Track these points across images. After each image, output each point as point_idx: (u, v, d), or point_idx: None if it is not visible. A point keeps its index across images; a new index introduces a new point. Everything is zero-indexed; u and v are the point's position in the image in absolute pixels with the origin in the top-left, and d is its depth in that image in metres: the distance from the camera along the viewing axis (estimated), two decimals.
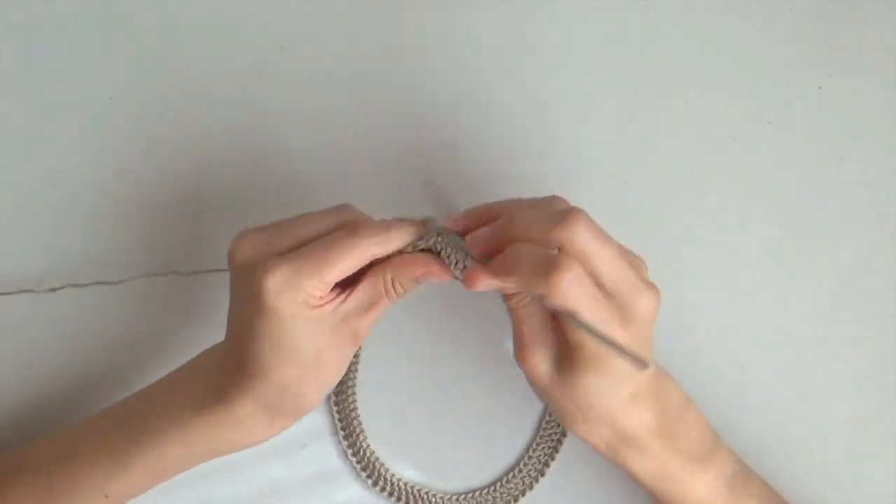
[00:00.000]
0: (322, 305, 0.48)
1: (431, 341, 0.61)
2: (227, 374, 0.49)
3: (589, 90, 0.63)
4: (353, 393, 0.60)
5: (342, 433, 0.60)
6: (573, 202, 0.50)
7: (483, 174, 0.62)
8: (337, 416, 0.60)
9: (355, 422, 0.60)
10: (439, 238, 0.49)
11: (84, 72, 0.63)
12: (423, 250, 0.49)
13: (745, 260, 0.63)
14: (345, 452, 0.60)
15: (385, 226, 0.49)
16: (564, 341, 0.48)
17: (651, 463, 0.50)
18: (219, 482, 0.60)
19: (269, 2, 0.64)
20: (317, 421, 0.61)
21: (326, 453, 0.61)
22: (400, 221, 0.49)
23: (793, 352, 0.62)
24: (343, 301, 0.48)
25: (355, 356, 0.60)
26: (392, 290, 0.49)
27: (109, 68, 0.63)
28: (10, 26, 0.63)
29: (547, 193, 0.51)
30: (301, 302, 0.46)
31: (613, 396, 0.48)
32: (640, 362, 0.39)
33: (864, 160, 0.64)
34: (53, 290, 0.60)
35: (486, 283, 0.47)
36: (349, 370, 0.60)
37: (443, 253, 0.49)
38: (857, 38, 0.64)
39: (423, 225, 0.50)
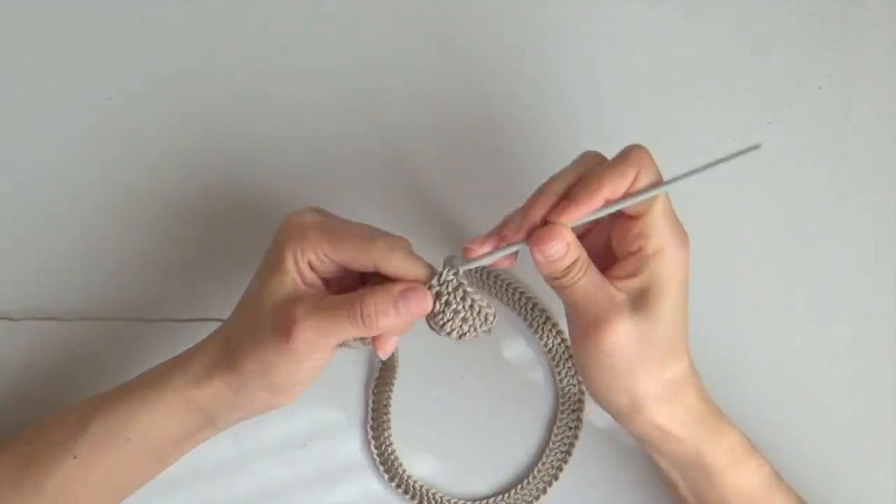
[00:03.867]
0: (305, 280, 0.48)
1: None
2: (205, 342, 0.51)
3: (589, 90, 0.63)
4: (391, 389, 0.60)
5: (371, 423, 0.60)
6: None
7: (484, 174, 0.62)
8: (372, 405, 0.61)
9: (385, 416, 0.60)
10: (450, 280, 0.48)
11: (84, 72, 0.63)
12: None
13: (745, 260, 0.63)
14: (369, 443, 0.60)
15: (406, 250, 0.48)
16: (634, 285, 0.48)
17: (699, 449, 0.51)
18: (219, 482, 0.60)
19: (270, 3, 0.64)
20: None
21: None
22: (421, 260, 0.49)
23: (793, 352, 0.62)
24: (315, 292, 0.48)
25: (396, 357, 0.60)
26: (358, 312, 0.46)
27: (109, 68, 0.63)
28: (9, 26, 0.63)
29: None
30: (299, 250, 0.47)
31: (684, 322, 0.50)
32: (751, 147, 0.40)
33: (864, 160, 0.64)
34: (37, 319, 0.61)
35: (560, 238, 0.46)
36: (391, 367, 0.60)
37: (445, 295, 0.48)
38: (857, 38, 0.64)
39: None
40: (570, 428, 0.61)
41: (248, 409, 0.50)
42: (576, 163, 0.50)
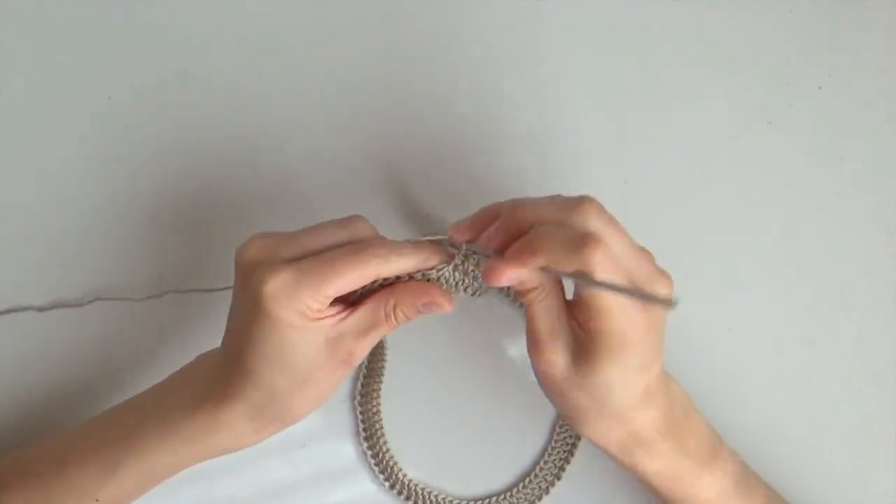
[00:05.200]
0: (320, 319, 0.47)
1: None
2: (219, 377, 0.49)
3: (589, 90, 0.63)
4: (378, 396, 0.60)
5: (363, 434, 0.60)
6: None
7: (484, 174, 0.62)
8: (360, 416, 0.60)
9: (377, 425, 0.60)
10: (448, 268, 0.49)
11: (84, 72, 0.63)
12: (429, 279, 0.49)
13: (746, 260, 0.63)
14: (364, 454, 0.60)
15: (393, 247, 0.48)
16: (582, 335, 0.47)
17: (661, 464, 0.50)
18: (219, 482, 0.60)
19: (269, 4, 0.63)
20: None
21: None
22: (409, 244, 0.49)
23: (793, 352, 0.62)
24: (343, 319, 0.48)
25: (381, 362, 0.61)
26: (392, 317, 0.49)
27: (109, 68, 0.63)
28: (9, 26, 0.63)
29: (548, 193, 0.51)
30: (297, 312, 0.46)
31: (628, 390, 0.47)
32: (667, 303, 0.39)
33: (864, 160, 0.64)
34: (43, 309, 0.60)
35: (510, 275, 0.46)
36: (376, 374, 0.60)
37: (451, 281, 0.49)
38: (857, 38, 0.64)
39: (435, 249, 0.50)
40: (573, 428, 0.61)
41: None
42: (559, 204, 0.47)
